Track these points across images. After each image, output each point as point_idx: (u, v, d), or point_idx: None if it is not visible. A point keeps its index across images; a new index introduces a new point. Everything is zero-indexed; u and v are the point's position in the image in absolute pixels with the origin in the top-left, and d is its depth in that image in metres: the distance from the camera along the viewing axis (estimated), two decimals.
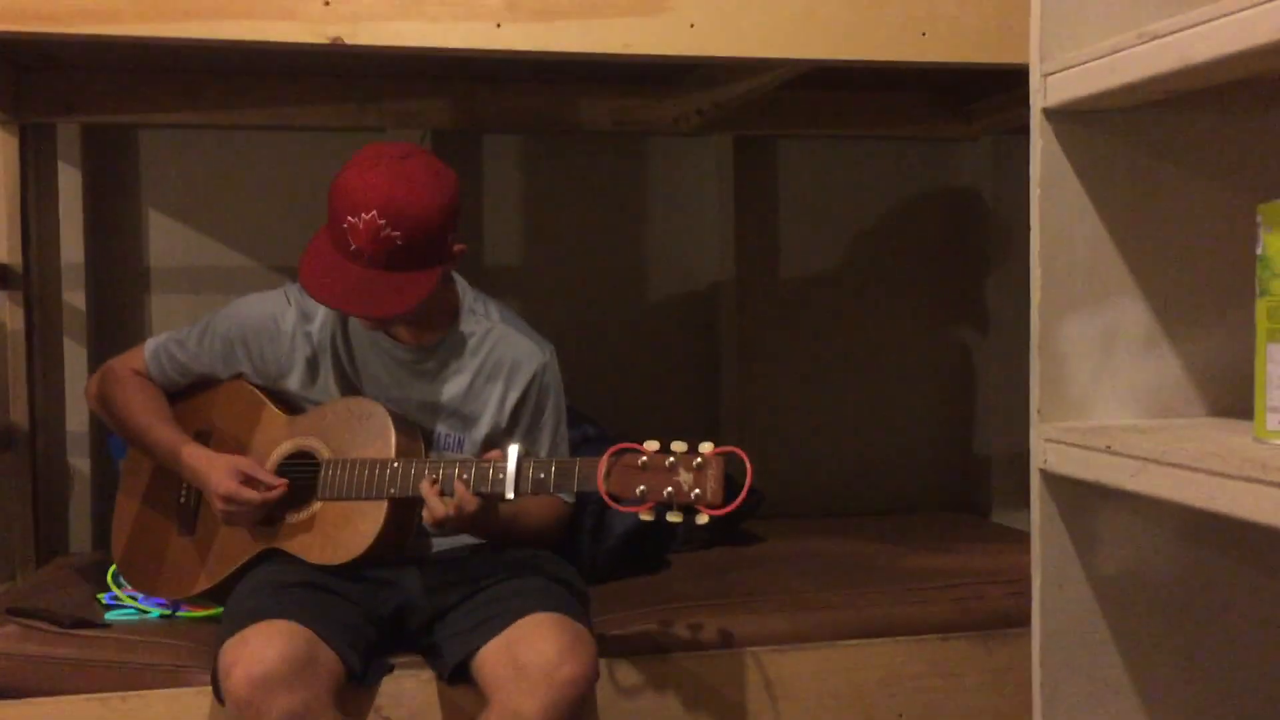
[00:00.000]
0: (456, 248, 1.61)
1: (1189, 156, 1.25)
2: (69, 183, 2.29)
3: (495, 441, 1.68)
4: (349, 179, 1.51)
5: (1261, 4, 0.91)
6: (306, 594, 1.52)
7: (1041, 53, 1.23)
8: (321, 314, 1.70)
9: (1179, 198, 1.25)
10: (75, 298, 2.30)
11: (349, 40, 1.48)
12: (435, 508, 1.50)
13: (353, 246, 1.51)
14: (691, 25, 1.56)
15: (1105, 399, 1.25)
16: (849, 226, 2.70)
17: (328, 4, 1.47)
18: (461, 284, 1.74)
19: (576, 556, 1.94)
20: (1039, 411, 1.22)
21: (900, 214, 2.73)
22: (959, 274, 2.74)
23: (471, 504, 1.50)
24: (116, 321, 2.37)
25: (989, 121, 2.48)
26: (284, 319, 1.69)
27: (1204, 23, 0.98)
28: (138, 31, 1.42)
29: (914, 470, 2.72)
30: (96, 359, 2.25)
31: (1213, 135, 1.24)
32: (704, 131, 2.43)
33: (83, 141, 2.30)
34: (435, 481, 1.51)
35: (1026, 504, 1.23)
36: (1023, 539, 1.27)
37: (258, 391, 1.70)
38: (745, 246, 2.59)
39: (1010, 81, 1.76)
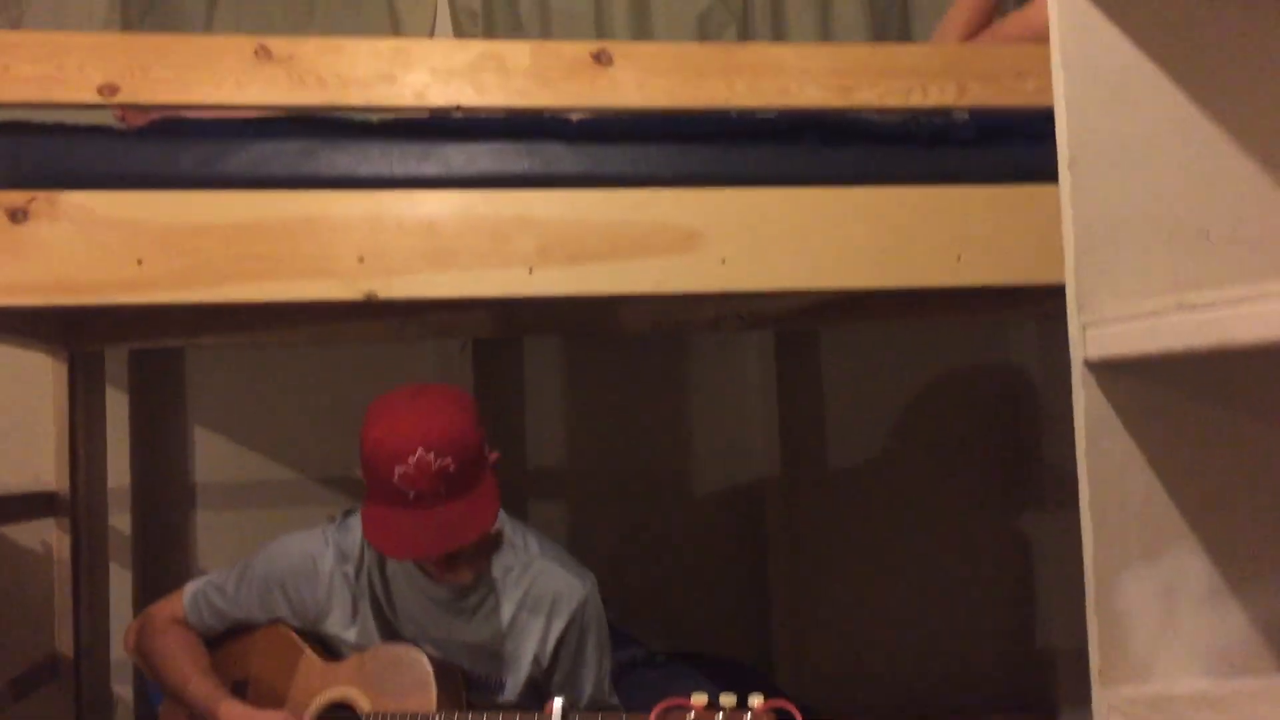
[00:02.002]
0: (493, 456, 1.62)
1: (1240, 400, 1.21)
2: (116, 406, 2.32)
3: (537, 681, 1.64)
4: (379, 437, 1.52)
5: None
6: None
7: (1079, 302, 1.20)
8: (358, 554, 1.68)
9: (1233, 442, 1.20)
10: (121, 521, 2.31)
11: (383, 295, 1.48)
12: None
13: (412, 494, 1.51)
14: (723, 261, 1.55)
15: (1169, 658, 1.18)
16: (896, 411, 2.66)
17: (361, 260, 1.48)
18: (501, 515, 1.72)
19: None
20: (1100, 674, 1.16)
21: (948, 396, 2.69)
22: (1011, 455, 2.68)
23: None
24: (162, 543, 2.37)
25: (1032, 309, 2.45)
26: (322, 561, 1.68)
27: (1246, 302, 0.95)
28: (176, 299, 1.44)
29: (975, 664, 2.61)
30: (142, 583, 2.25)
31: (1264, 376, 1.20)
32: (745, 329, 2.43)
33: (130, 365, 2.34)
34: None
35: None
36: None
37: (296, 637, 1.68)
38: (791, 438, 2.56)
39: None
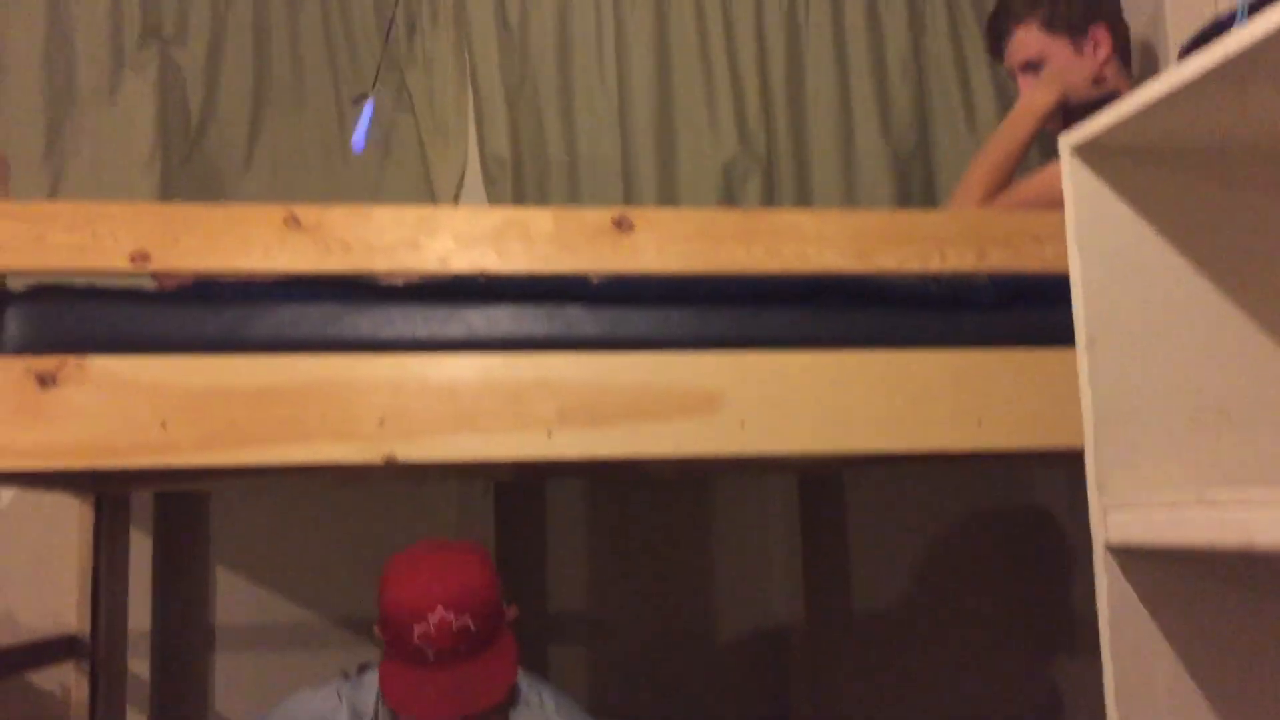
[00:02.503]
0: (511, 612, 1.63)
1: (1267, 587, 1.18)
2: (139, 548, 2.33)
3: None
4: (398, 596, 1.52)
5: None
6: None
7: (1100, 484, 1.19)
8: (373, 712, 1.67)
9: (1260, 630, 1.18)
10: (139, 664, 2.30)
11: (402, 457, 1.49)
12: None
13: (432, 653, 1.52)
14: (743, 424, 1.55)
15: None
16: (921, 553, 2.63)
17: (382, 423, 1.49)
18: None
19: None
20: None
21: (974, 538, 2.65)
22: (1039, 599, 2.63)
23: None
24: (180, 687, 2.35)
25: (1056, 460, 2.43)
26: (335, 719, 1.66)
27: (1269, 505, 0.94)
28: (196, 462, 1.45)
29: None
30: None
31: None
32: (769, 474, 2.42)
33: (155, 507, 2.35)
34: None
35: None
36: None
37: None
38: (815, 583, 2.52)
39: None
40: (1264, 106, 1.09)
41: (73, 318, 1.47)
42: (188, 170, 2.37)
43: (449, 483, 2.38)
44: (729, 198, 2.50)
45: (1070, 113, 2.06)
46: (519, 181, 2.47)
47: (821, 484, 2.58)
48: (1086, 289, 1.22)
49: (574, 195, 2.49)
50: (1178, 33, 2.10)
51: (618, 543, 2.55)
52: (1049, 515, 2.68)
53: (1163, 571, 1.16)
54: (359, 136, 1.99)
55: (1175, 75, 1.02)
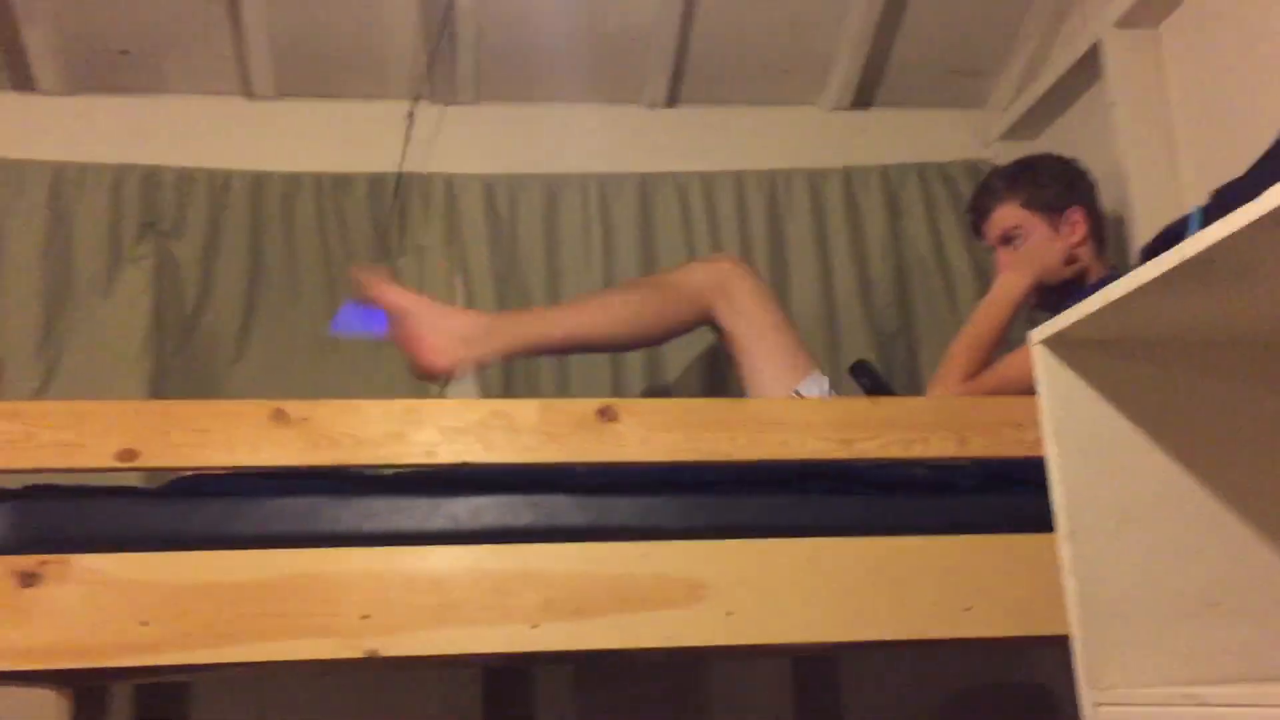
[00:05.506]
0: None
1: None
2: None
3: None
4: None
5: None
6: None
7: (1089, 678, 1.18)
8: None
9: None
10: None
11: (384, 653, 1.47)
12: None
13: None
14: (729, 613, 1.54)
15: None
16: None
17: (365, 617, 1.47)
18: None
19: None
20: None
21: (972, 717, 2.59)
22: None
23: None
24: None
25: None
26: None
27: (1256, 707, 0.93)
28: (179, 660, 1.43)
29: None
30: None
31: None
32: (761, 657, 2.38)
33: (135, 700, 2.30)
34: None
35: None
36: None
37: None
38: None
39: None
40: (1220, 302, 1.12)
41: (59, 516, 1.47)
42: (180, 360, 2.40)
43: (434, 669, 2.33)
44: (715, 379, 2.53)
45: (1046, 291, 2.12)
46: (508, 367, 2.50)
47: (816, 666, 2.53)
48: (1065, 479, 1.23)
49: (563, 380, 2.52)
50: (1143, 220, 2.18)
51: None
52: (1047, 692, 2.62)
53: None
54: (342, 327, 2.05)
55: (1136, 277, 1.06)
